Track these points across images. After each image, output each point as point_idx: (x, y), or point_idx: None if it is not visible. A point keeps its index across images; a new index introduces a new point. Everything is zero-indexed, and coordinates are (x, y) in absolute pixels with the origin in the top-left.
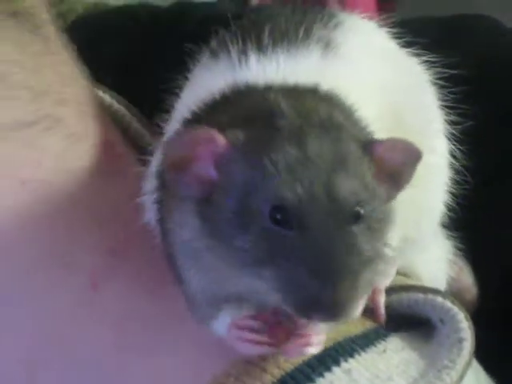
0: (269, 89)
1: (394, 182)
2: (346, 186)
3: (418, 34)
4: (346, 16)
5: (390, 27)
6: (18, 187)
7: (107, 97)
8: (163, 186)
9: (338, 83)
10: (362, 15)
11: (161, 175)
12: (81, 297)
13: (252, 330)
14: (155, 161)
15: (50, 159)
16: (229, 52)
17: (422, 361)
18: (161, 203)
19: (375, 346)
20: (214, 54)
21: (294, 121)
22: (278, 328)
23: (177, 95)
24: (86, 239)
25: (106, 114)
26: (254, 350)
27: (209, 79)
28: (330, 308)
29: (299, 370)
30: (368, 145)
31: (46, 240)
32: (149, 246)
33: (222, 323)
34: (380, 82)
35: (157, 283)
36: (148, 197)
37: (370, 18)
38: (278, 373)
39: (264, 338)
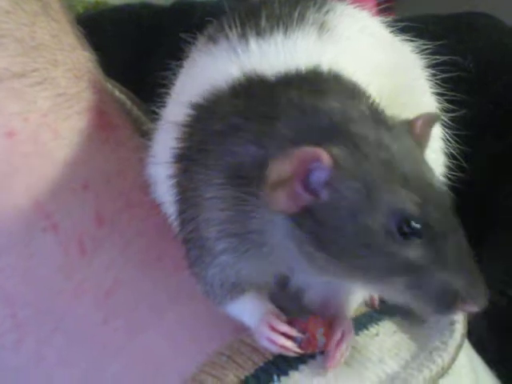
0: (287, 81)
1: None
2: (438, 179)
3: (419, 30)
4: (338, 4)
5: (391, 23)
6: (3, 139)
7: (109, 85)
8: (191, 173)
9: (337, 62)
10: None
11: (184, 160)
12: (68, 260)
13: (284, 334)
14: (168, 145)
15: (38, 115)
16: (227, 37)
17: (414, 343)
18: (185, 190)
19: (368, 330)
20: (212, 39)
21: (369, 130)
22: (311, 341)
23: (173, 81)
24: (70, 200)
25: (104, 87)
26: (277, 351)
27: (211, 64)
28: (482, 296)
29: None
30: (410, 125)
31: (27, 198)
32: (139, 219)
33: (248, 315)
34: (374, 62)
35: (146, 257)
36: (162, 180)
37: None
38: (269, 354)
39: (294, 348)
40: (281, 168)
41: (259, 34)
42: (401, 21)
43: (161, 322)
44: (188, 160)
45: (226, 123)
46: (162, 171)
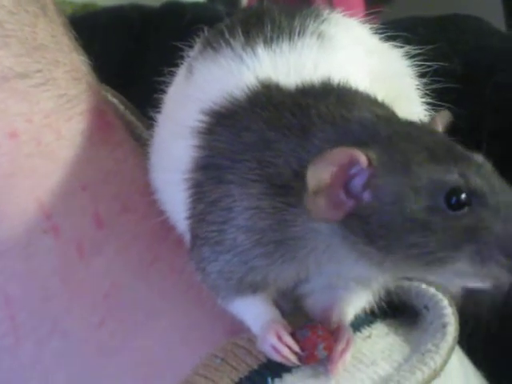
0: (308, 92)
1: None
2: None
3: (407, 32)
4: (330, 12)
5: (379, 26)
6: (7, 140)
7: (101, 89)
8: (218, 181)
9: (342, 72)
10: (347, 13)
11: (209, 168)
12: (66, 262)
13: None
14: (183, 152)
15: (41, 116)
16: (230, 45)
17: (406, 346)
18: (202, 193)
19: (360, 332)
20: (212, 47)
21: (397, 128)
22: (313, 355)
23: (168, 87)
24: (69, 201)
25: (99, 86)
26: (278, 360)
27: (219, 72)
28: None
29: None
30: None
31: (30, 199)
32: (135, 222)
33: (252, 314)
34: (369, 71)
35: (142, 260)
36: (171, 187)
37: (357, 17)
38: (263, 356)
39: (295, 361)
40: (320, 174)
41: (266, 42)
42: (389, 24)
43: (155, 325)
44: (214, 167)
45: (258, 134)
46: (175, 177)
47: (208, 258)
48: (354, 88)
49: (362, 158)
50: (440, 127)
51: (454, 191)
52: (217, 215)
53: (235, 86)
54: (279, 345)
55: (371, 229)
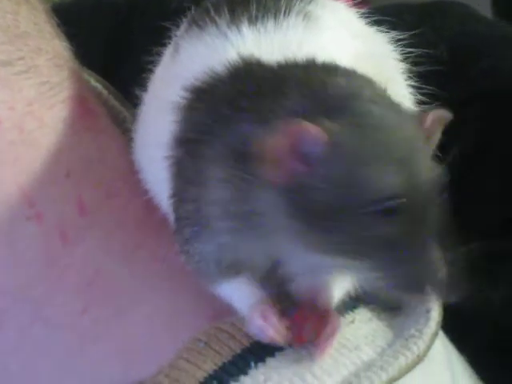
0: (291, 65)
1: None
2: (436, 170)
3: (394, 17)
4: None
5: (365, 11)
6: None
7: (84, 74)
8: (194, 155)
9: (326, 53)
10: None
11: (187, 143)
12: (50, 249)
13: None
14: (165, 127)
15: (23, 104)
16: (216, 23)
17: (389, 331)
18: (186, 171)
19: (343, 317)
20: (198, 25)
21: (371, 106)
22: (300, 336)
23: (156, 66)
24: (53, 188)
25: (82, 71)
26: (266, 340)
27: (203, 49)
28: (446, 288)
29: None
30: (419, 118)
31: (13, 186)
32: (118, 209)
33: (241, 300)
34: (353, 54)
35: (125, 247)
36: (157, 162)
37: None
38: (246, 341)
39: (282, 341)
40: (271, 142)
41: (251, 21)
42: (376, 10)
43: (138, 312)
44: (192, 142)
45: (232, 105)
46: (158, 153)
47: (189, 240)
48: (336, 65)
49: (318, 131)
50: (432, 124)
51: (390, 199)
52: (192, 192)
53: (218, 62)
54: (265, 326)
55: (310, 205)
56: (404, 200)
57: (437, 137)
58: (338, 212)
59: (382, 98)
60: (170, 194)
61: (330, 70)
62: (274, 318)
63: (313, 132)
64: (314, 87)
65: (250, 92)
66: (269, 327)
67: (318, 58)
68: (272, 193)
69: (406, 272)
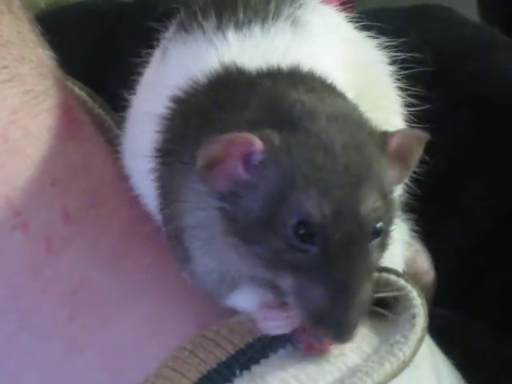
0: (268, 74)
1: (404, 165)
2: (370, 202)
3: (379, 22)
4: None
5: (352, 16)
6: None
7: (69, 83)
8: (171, 168)
9: (311, 60)
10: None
11: (165, 154)
12: (35, 258)
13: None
14: (148, 138)
15: (7, 113)
16: (202, 27)
17: (375, 337)
18: (165, 185)
19: None
20: (185, 29)
21: (320, 123)
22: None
23: (144, 70)
24: (38, 197)
25: (66, 80)
26: (279, 331)
27: (188, 55)
28: (341, 331)
29: (252, 345)
30: (383, 138)
31: None
32: (103, 218)
33: (246, 301)
34: (342, 59)
35: (111, 256)
36: (143, 173)
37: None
38: (232, 348)
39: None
40: (212, 151)
41: (237, 26)
42: (361, 15)
43: (124, 320)
44: (169, 154)
45: (203, 117)
46: (143, 164)
47: (183, 261)
48: (316, 75)
49: (257, 141)
50: (403, 145)
51: (307, 225)
52: (172, 209)
53: (200, 70)
54: (271, 317)
55: (239, 214)
56: (323, 229)
57: (416, 156)
58: (262, 225)
59: (342, 118)
60: (158, 208)
61: (298, 82)
62: (273, 310)
63: (253, 142)
64: (274, 100)
65: (220, 103)
66: (274, 317)
67: (302, 65)
68: (216, 203)
69: (313, 302)
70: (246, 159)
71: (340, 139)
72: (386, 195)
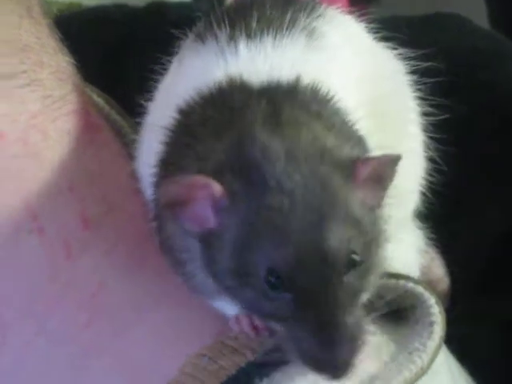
0: (264, 92)
1: (380, 187)
2: (337, 236)
3: (392, 31)
4: (326, 8)
5: (366, 24)
6: None
7: (87, 90)
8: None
9: (321, 73)
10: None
11: (165, 167)
12: (53, 262)
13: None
14: (153, 147)
15: (27, 117)
16: (216, 37)
17: (393, 344)
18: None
19: None
20: (201, 38)
21: (279, 165)
22: None
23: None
24: (56, 201)
25: (84, 86)
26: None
27: (198, 66)
28: (334, 371)
29: (272, 351)
30: (353, 166)
31: (17, 199)
32: (121, 223)
33: (228, 309)
34: (359, 72)
35: (129, 262)
36: (147, 183)
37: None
38: (251, 355)
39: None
40: (172, 192)
41: (249, 36)
42: (375, 21)
43: (142, 325)
44: (168, 167)
45: (192, 135)
46: (147, 172)
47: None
48: (315, 90)
49: (217, 187)
50: (387, 170)
51: (276, 274)
52: (161, 221)
53: (206, 81)
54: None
55: (210, 256)
56: (290, 275)
57: (390, 178)
58: (234, 275)
59: (302, 155)
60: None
61: (285, 106)
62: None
63: (213, 189)
64: (242, 140)
65: (203, 124)
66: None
67: (304, 80)
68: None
69: (303, 348)
70: (216, 204)
71: (298, 179)
72: (359, 221)
